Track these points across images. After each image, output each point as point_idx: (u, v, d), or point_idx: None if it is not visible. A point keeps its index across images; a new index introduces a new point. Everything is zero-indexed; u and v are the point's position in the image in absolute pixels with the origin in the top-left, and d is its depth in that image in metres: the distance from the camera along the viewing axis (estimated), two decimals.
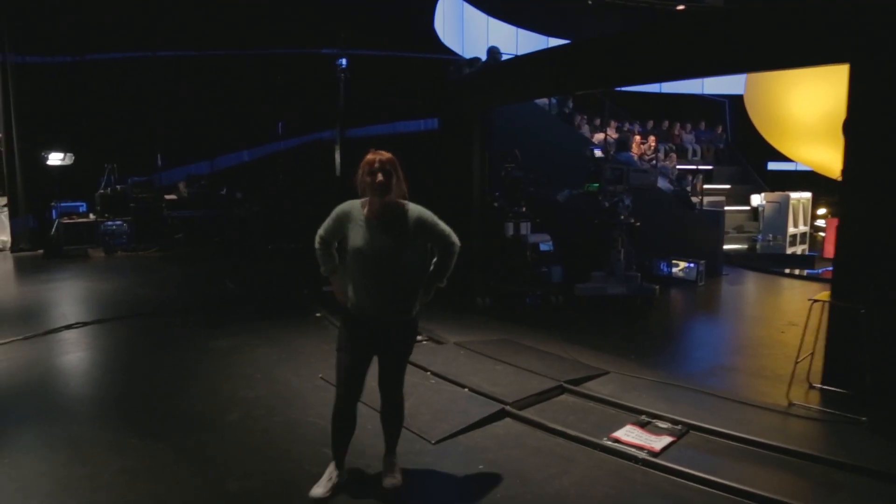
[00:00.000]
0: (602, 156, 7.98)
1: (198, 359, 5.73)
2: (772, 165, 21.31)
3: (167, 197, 12.77)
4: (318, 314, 7.34)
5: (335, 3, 12.80)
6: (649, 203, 9.08)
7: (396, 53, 12.52)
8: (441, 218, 3.24)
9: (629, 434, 4.19)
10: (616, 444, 4.03)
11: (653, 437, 4.15)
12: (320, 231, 3.23)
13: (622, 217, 7.89)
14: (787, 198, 14.39)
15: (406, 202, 3.16)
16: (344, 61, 9.89)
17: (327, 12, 12.67)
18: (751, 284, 10.45)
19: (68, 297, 8.57)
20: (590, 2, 16.57)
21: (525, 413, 4.47)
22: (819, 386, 4.98)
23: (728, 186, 17.22)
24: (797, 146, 18.31)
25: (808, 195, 15.38)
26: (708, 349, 6.44)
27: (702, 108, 20.76)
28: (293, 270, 10.09)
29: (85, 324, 6.84)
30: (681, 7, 16.70)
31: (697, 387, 5.12)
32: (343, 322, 3.30)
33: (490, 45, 8.95)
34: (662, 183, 10.51)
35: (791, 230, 14.54)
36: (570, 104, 10.71)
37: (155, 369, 5.48)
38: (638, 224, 7.92)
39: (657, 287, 7.99)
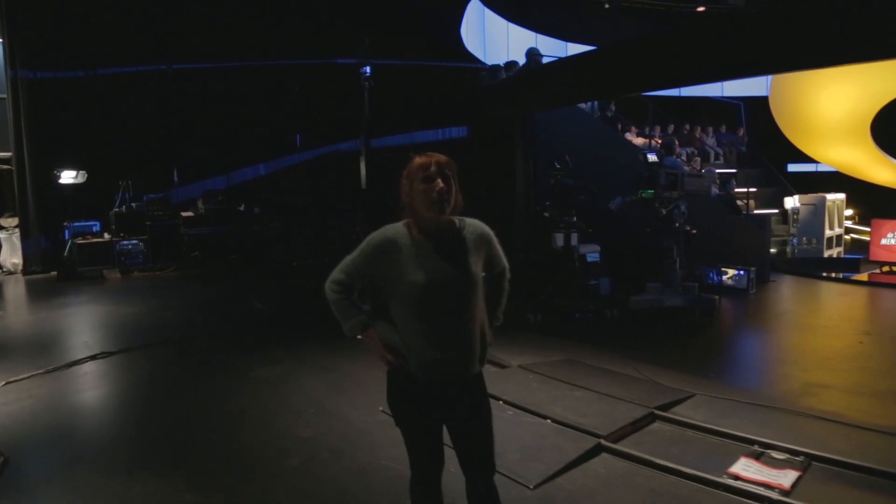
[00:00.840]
0: (657, 160, 7.49)
1: (240, 391, 5.24)
2: (792, 167, 20.95)
3: (183, 214, 12.30)
4: (359, 336, 6.83)
5: (356, 10, 12.39)
6: (697, 209, 8.59)
7: (425, 63, 12.09)
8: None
9: (748, 469, 3.69)
10: (739, 483, 3.52)
11: (776, 472, 3.65)
12: (338, 275, 2.35)
13: (678, 224, 7.39)
14: (823, 199, 13.90)
15: (461, 217, 2.43)
16: (368, 69, 9.45)
17: (346, 19, 12.27)
18: (803, 291, 9.93)
19: (87, 323, 8.09)
20: (607, 6, 16.18)
21: (623, 447, 3.96)
22: None
23: (754, 189, 16.75)
24: (823, 147, 17.91)
25: (842, 196, 14.89)
26: (788, 364, 5.92)
27: (719, 111, 20.37)
28: (321, 288, 9.61)
29: (110, 353, 6.34)
30: (701, 8, 16.30)
31: (797, 409, 4.62)
32: (399, 388, 2.40)
33: (529, 47, 8.51)
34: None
35: (827, 233, 14.04)
36: (613, 107, 10.25)
37: (194, 405, 4.99)
38: (695, 232, 7.42)
39: (717, 297, 7.49)
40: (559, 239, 7.65)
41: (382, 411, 4.60)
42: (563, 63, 7.78)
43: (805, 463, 3.75)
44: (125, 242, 11.63)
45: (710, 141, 18.27)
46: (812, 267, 12.52)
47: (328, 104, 12.93)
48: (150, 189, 12.30)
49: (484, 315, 2.48)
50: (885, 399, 4.98)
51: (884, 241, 11.15)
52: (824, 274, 11.78)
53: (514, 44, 14.27)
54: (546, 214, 7.47)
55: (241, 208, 12.66)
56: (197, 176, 13.21)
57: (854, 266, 12.64)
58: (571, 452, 3.82)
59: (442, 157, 2.31)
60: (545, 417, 4.35)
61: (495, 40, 15.02)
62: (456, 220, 2.41)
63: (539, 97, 7.39)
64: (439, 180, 2.25)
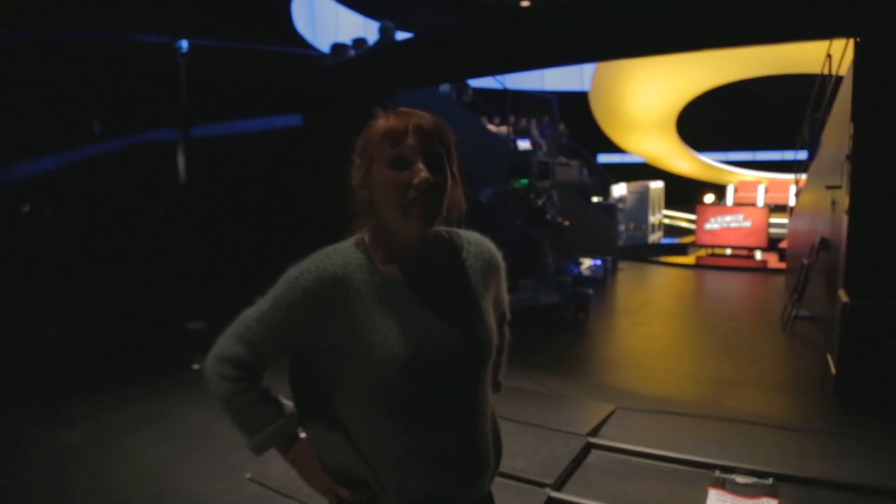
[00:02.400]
0: (530, 148, 6.92)
1: (46, 470, 3.68)
2: (602, 158, 22.32)
3: None
4: (195, 365, 5.45)
5: None
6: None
7: (253, 46, 10.52)
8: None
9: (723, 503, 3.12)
10: None
11: (752, 503, 3.12)
12: (231, 347, 1.27)
13: (549, 216, 6.90)
14: (647, 188, 14.59)
15: (451, 229, 1.42)
16: (185, 44, 7.88)
17: None
18: (650, 277, 10.12)
19: None
20: None
21: (573, 496, 3.21)
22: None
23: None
24: (635, 139, 19.12)
25: (661, 184, 15.81)
26: (688, 360, 5.65)
27: (537, 104, 21.01)
28: (136, 303, 7.83)
29: None
30: (525, 3, 16.42)
31: (726, 415, 4.27)
32: None
33: (382, 22, 7.49)
34: None
35: (651, 219, 14.79)
36: (470, 92, 9.59)
37: None
38: (567, 223, 6.98)
39: (591, 291, 7.12)
40: None
41: (250, 478, 3.42)
42: (431, 37, 6.91)
43: (773, 485, 3.29)
44: None
45: (535, 133, 18.67)
46: (646, 252, 13.05)
47: (136, 86, 10.83)
48: None
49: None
50: (790, 392, 4.83)
51: (707, 226, 11.81)
52: (661, 259, 12.29)
53: (345, 29, 13.18)
54: None
55: (26, 210, 10.17)
56: None
57: (682, 250, 13.40)
58: None
59: (426, 118, 1.24)
60: None
61: (326, 24, 13.79)
62: (445, 232, 1.39)
63: (404, 76, 6.46)
64: (420, 164, 1.20)
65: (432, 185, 1.20)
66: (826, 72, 6.36)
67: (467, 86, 9.61)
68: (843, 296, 4.25)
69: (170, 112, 8.67)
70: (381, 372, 1.20)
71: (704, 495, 3.22)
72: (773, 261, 11.37)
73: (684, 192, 20.04)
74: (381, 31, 6.92)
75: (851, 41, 5.31)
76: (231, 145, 9.00)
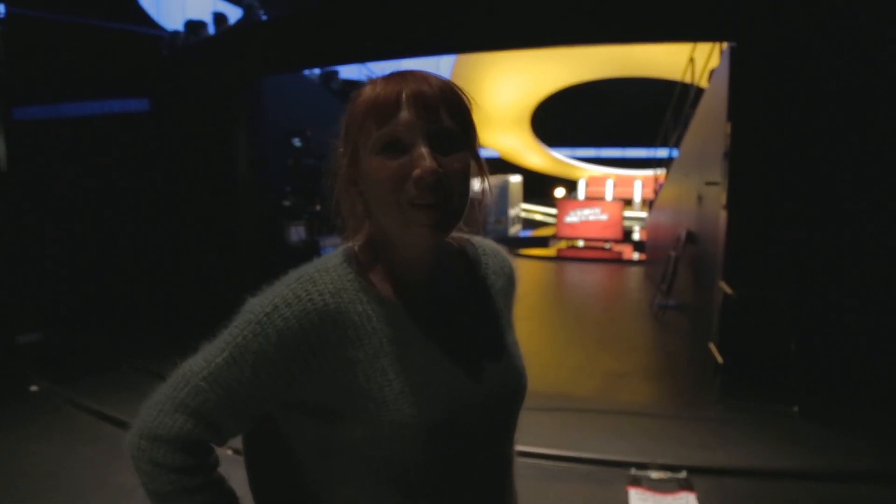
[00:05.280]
0: None
1: None
2: None
3: None
4: (33, 387, 4.62)
5: None
6: None
7: (89, 21, 9.21)
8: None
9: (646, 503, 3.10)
10: None
11: (673, 499, 3.13)
12: (173, 419, 0.83)
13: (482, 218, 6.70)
14: (507, 181, 14.93)
15: (462, 236, 1.06)
16: (1, 9, 6.74)
17: None
18: (523, 270, 10.08)
19: None
20: None
21: None
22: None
23: None
24: (492, 133, 19.57)
25: (519, 178, 16.27)
26: (576, 353, 5.72)
27: None
28: None
29: None
30: None
31: (624, 408, 4.34)
32: None
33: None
34: None
35: (510, 212, 15.17)
36: (339, 79, 9.07)
37: None
38: None
39: None
40: (297, 232, 6.35)
41: None
42: (301, 17, 6.39)
43: (686, 479, 3.34)
44: None
45: None
46: (509, 244, 13.30)
47: None
48: None
49: None
50: (675, 381, 5.03)
51: (567, 219, 12.30)
52: (524, 252, 12.60)
53: (193, 8, 12.06)
54: (287, 203, 6.08)
55: None
56: None
57: (543, 243, 13.85)
58: None
59: (429, 81, 0.85)
60: None
61: (171, 3, 12.54)
62: (455, 241, 1.04)
63: (272, 57, 5.92)
64: (423, 148, 0.83)
65: (441, 178, 0.83)
66: (689, 75, 6.74)
67: (336, 73, 9.16)
68: (725, 287, 4.45)
69: None
70: (397, 440, 0.85)
71: (625, 495, 3.19)
72: (628, 252, 12.07)
73: (537, 186, 20.89)
74: (246, 9, 6.30)
75: (717, 46, 5.65)
76: (61, 130, 7.86)
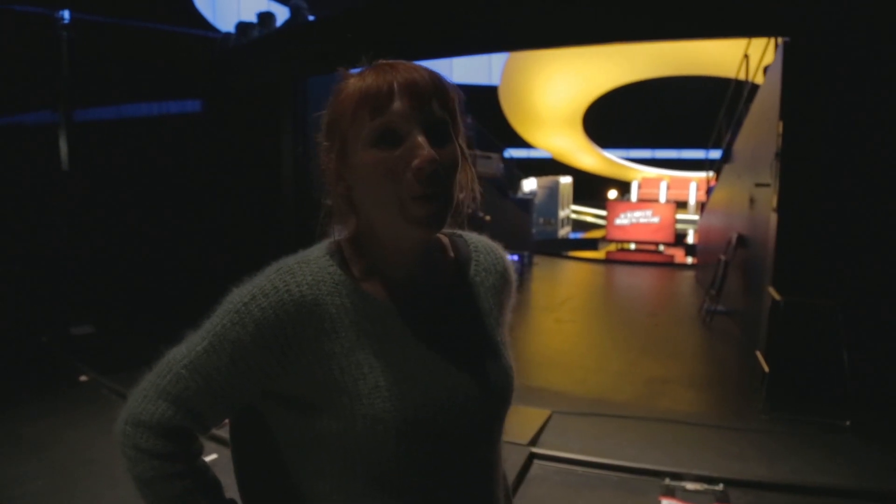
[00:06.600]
0: None
1: None
2: (507, 153, 22.59)
3: None
4: (82, 377, 4.81)
5: None
6: None
7: (147, 24, 9.56)
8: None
9: None
10: None
11: None
12: (152, 406, 0.85)
13: (470, 211, 6.66)
14: (558, 182, 14.77)
15: (453, 232, 1.04)
16: (67, 14, 7.03)
17: None
18: (565, 272, 10.15)
19: None
20: None
21: None
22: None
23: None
24: (543, 134, 19.38)
25: (570, 179, 16.07)
26: (617, 358, 5.59)
27: None
28: (11, 305, 6.92)
29: None
30: None
31: (665, 416, 4.19)
32: None
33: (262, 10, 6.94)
34: None
35: (560, 214, 15.00)
36: None
37: None
38: (489, 219, 6.79)
39: None
40: (340, 230, 6.42)
41: None
42: (346, 16, 6.47)
43: (723, 491, 3.21)
44: None
45: None
46: (558, 247, 13.18)
47: (9, 62, 9.63)
48: None
49: None
50: (720, 389, 4.86)
51: (617, 222, 12.05)
52: (573, 254, 12.42)
53: (247, 10, 12.37)
54: (328, 202, 6.15)
55: None
56: None
57: (592, 245, 13.63)
58: None
59: (419, 71, 0.83)
60: None
61: (227, 4, 12.91)
62: (445, 237, 1.01)
63: (317, 57, 6.00)
64: (420, 138, 0.79)
65: (439, 169, 0.80)
66: (743, 72, 6.49)
67: None
68: (773, 293, 4.26)
69: (50, 92, 7.74)
70: (371, 435, 0.83)
71: (647, 500, 3.09)
72: (680, 255, 11.75)
73: (589, 187, 20.58)
74: (293, 10, 6.40)
75: (772, 41, 5.42)
76: (121, 131, 8.17)
